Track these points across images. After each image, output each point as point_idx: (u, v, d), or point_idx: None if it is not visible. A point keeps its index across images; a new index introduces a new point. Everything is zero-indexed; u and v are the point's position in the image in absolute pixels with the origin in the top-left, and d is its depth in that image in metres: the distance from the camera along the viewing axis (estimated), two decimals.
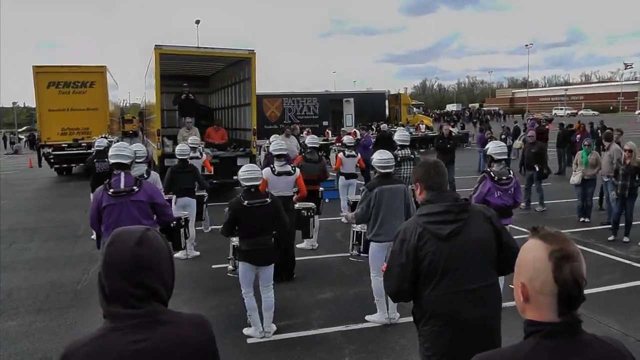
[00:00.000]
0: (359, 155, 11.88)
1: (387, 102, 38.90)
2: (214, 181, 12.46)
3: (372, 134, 21.47)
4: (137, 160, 6.86)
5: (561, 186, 15.07)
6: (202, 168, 10.50)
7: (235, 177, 7.65)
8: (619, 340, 1.67)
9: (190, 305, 6.74)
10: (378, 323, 6.16)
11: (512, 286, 1.70)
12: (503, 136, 20.61)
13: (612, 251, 8.94)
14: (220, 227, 6.02)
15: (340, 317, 6.40)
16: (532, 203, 12.70)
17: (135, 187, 5.41)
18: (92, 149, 12.01)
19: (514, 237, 3.08)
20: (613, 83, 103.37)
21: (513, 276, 1.71)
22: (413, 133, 28.24)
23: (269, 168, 7.72)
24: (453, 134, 16.77)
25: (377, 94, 39.29)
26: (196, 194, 9.40)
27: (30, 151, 40.07)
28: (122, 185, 5.41)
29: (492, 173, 6.58)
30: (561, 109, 79.99)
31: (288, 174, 7.72)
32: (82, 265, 8.73)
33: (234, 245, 6.20)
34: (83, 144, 20.27)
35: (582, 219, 11.15)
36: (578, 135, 18.24)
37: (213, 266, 8.39)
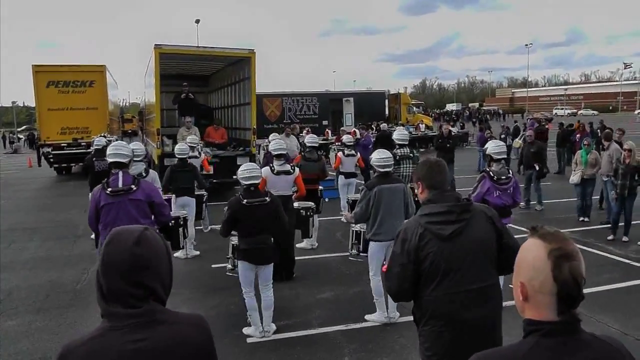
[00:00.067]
0: (359, 154, 11.87)
1: (386, 101, 38.88)
2: (214, 180, 12.46)
3: (372, 134, 21.46)
4: (135, 159, 6.86)
5: (561, 185, 15.09)
6: (200, 167, 10.50)
7: (234, 177, 7.65)
8: (618, 340, 1.67)
9: (189, 305, 6.74)
10: (378, 322, 6.16)
11: (512, 286, 1.70)
12: (503, 136, 20.60)
13: (612, 250, 8.95)
14: (220, 226, 6.02)
15: (340, 316, 6.40)
16: (531, 202, 12.70)
17: (133, 186, 5.41)
18: (91, 148, 12.01)
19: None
20: (612, 83, 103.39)
21: (512, 276, 1.71)
22: (413, 132, 28.24)
23: (268, 167, 7.73)
24: (453, 134, 16.77)
25: (377, 94, 39.27)
26: (195, 193, 9.40)
27: (29, 150, 40.07)
28: (120, 184, 5.40)
29: (491, 173, 6.58)
30: (561, 109, 79.98)
31: (287, 173, 7.71)
32: (82, 264, 8.73)
33: (233, 245, 6.20)
34: (82, 144, 20.25)
35: (581, 219, 11.15)
36: (578, 135, 18.25)
37: (213, 265, 8.39)
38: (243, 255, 5.75)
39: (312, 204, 8.68)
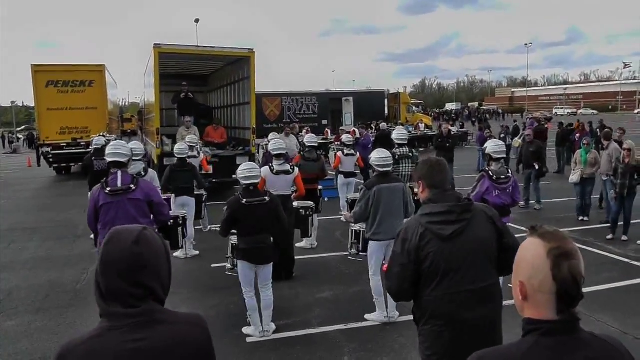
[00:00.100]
0: (358, 154, 11.87)
1: (386, 101, 38.93)
2: (213, 180, 12.46)
3: (372, 133, 21.46)
4: (134, 158, 6.86)
5: (560, 185, 15.10)
6: (199, 167, 10.49)
7: (234, 176, 7.65)
8: (617, 339, 1.67)
9: (189, 304, 6.74)
10: (377, 322, 6.16)
11: (511, 285, 1.70)
12: (502, 135, 20.60)
13: (611, 250, 8.95)
14: (219, 226, 6.01)
15: (339, 316, 6.41)
16: (530, 202, 12.71)
17: (132, 186, 5.41)
18: (90, 147, 12.00)
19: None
20: (612, 82, 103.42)
21: (512, 275, 1.71)
22: (412, 132, 28.25)
23: (267, 167, 7.72)
24: (452, 133, 16.77)
25: (377, 93, 39.27)
26: (195, 193, 9.40)
27: (29, 150, 40.05)
28: (119, 184, 5.40)
29: (490, 172, 6.58)
30: (561, 108, 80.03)
31: (287, 173, 7.71)
32: (82, 264, 8.73)
33: (232, 244, 6.20)
34: (82, 143, 20.23)
35: (581, 218, 11.16)
36: (577, 135, 18.26)
37: (212, 265, 8.39)
38: (242, 255, 5.74)
39: (312, 203, 8.67)
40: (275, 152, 7.91)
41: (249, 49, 14.41)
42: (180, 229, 7.52)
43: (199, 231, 10.13)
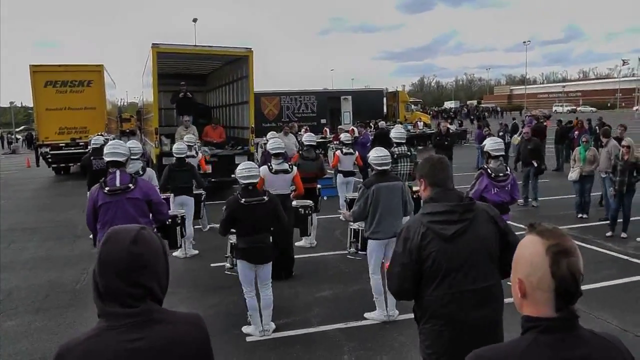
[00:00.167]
0: (357, 152, 11.87)
1: (385, 99, 38.93)
2: (212, 179, 12.45)
3: (370, 132, 21.46)
4: (132, 157, 6.86)
5: (559, 182, 15.10)
6: (197, 166, 10.49)
7: (233, 175, 7.65)
8: (616, 336, 1.67)
9: (188, 304, 6.74)
10: (377, 320, 6.16)
11: (510, 283, 1.70)
12: (501, 133, 20.61)
13: (610, 247, 8.96)
14: (218, 225, 6.01)
15: (339, 314, 6.41)
16: (529, 199, 12.72)
17: (131, 185, 5.40)
18: (89, 147, 11.99)
19: None
20: (611, 80, 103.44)
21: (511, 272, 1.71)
22: (411, 130, 28.26)
23: (266, 166, 7.72)
24: (451, 131, 16.78)
25: (375, 92, 39.30)
26: (194, 192, 9.40)
27: (28, 151, 40.00)
28: (117, 183, 5.40)
29: (489, 170, 6.59)
30: (561, 106, 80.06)
31: (285, 172, 7.71)
32: (81, 264, 8.72)
33: (231, 244, 6.20)
34: (81, 143, 20.20)
35: (580, 215, 11.17)
36: (576, 132, 18.26)
37: (212, 265, 8.39)
38: (242, 255, 5.74)
39: (311, 202, 8.67)
40: (274, 152, 7.91)
41: (247, 48, 14.39)
42: (178, 228, 7.52)
43: (198, 230, 10.13)
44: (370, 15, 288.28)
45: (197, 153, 11.33)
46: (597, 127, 19.99)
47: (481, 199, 6.13)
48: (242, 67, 15.15)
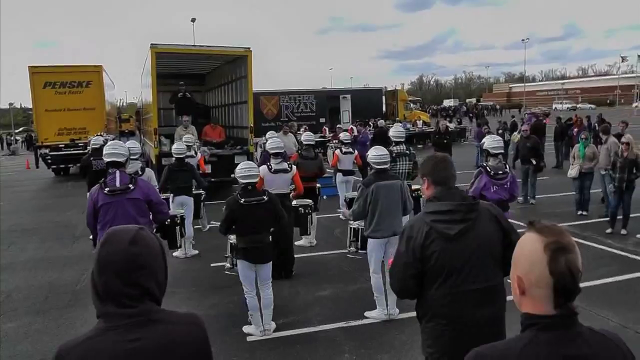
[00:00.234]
0: (356, 151, 11.87)
1: (384, 98, 38.90)
2: (211, 179, 12.45)
3: (370, 131, 21.46)
4: (131, 157, 6.86)
5: (559, 180, 15.10)
6: (197, 166, 10.49)
7: (232, 175, 7.65)
8: (616, 334, 1.67)
9: (189, 304, 6.73)
10: (377, 319, 6.16)
11: (510, 280, 1.70)
12: (500, 131, 20.60)
13: (610, 244, 8.96)
14: (219, 224, 6.01)
15: (339, 314, 6.40)
16: (528, 197, 12.72)
17: (130, 185, 5.40)
18: (88, 147, 11.99)
19: None
20: (610, 76, 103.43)
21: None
22: (410, 129, 28.27)
23: (265, 166, 7.72)
24: (450, 129, 16.79)
25: (374, 91, 39.26)
26: (193, 192, 9.40)
27: (27, 152, 39.99)
28: (117, 184, 5.40)
29: (488, 168, 6.59)
30: (560, 103, 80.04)
31: (285, 171, 7.71)
32: (81, 265, 8.71)
33: (231, 243, 6.20)
34: (80, 144, 20.19)
35: (579, 212, 11.16)
36: (575, 129, 18.25)
37: (212, 265, 8.39)
38: (242, 254, 5.74)
39: (310, 201, 8.68)
40: (273, 151, 7.91)
41: (245, 48, 14.38)
42: (178, 228, 7.52)
43: (198, 230, 10.12)
44: (369, 15, 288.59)
45: (196, 153, 11.33)
46: (596, 124, 19.98)
47: (480, 197, 6.13)
48: (241, 67, 15.15)
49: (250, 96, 14.80)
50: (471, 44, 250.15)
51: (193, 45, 16.10)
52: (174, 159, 9.41)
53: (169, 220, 6.76)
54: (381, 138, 14.77)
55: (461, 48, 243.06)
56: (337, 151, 11.61)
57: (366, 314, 6.27)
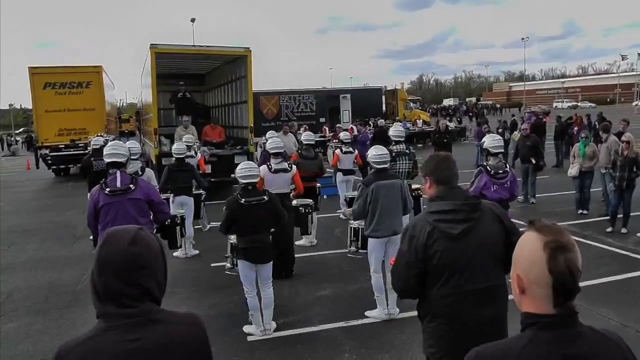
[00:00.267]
0: (356, 151, 11.87)
1: (384, 98, 38.88)
2: (212, 179, 12.46)
3: (370, 130, 21.46)
4: (131, 158, 6.86)
5: (559, 178, 15.09)
6: (197, 166, 10.49)
7: (232, 175, 7.65)
8: (617, 333, 1.67)
9: (189, 304, 6.73)
10: (378, 319, 6.15)
11: (511, 280, 1.70)
12: (500, 130, 20.60)
13: (611, 242, 8.95)
14: (219, 224, 6.01)
15: (339, 313, 6.40)
16: (528, 196, 12.71)
17: (131, 185, 5.40)
18: (89, 148, 12.00)
19: None
20: (610, 75, 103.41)
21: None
22: (410, 128, 28.27)
23: (265, 165, 7.71)
24: (450, 129, 16.79)
25: (374, 90, 39.21)
26: (193, 192, 9.40)
27: (27, 153, 39.99)
28: (118, 184, 5.39)
29: (488, 167, 6.59)
30: (561, 102, 80.00)
31: (285, 171, 7.71)
32: (81, 265, 8.71)
33: (231, 243, 6.20)
34: (80, 145, 20.21)
35: (580, 211, 11.15)
36: (575, 128, 18.25)
37: (212, 264, 8.39)
38: (242, 254, 5.74)
39: (311, 201, 8.68)
40: (273, 151, 7.91)
41: (245, 48, 14.39)
42: (178, 228, 7.52)
43: (199, 230, 10.12)
44: (368, 14, 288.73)
45: (196, 153, 11.34)
46: (596, 123, 19.98)
47: (481, 196, 6.11)
48: (240, 67, 15.15)
49: (250, 96, 14.80)
50: (471, 43, 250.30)
51: (193, 46, 16.10)
52: (174, 159, 9.41)
53: (169, 220, 6.77)
54: (381, 137, 14.77)
55: (461, 47, 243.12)
56: (338, 151, 11.61)
57: (366, 313, 6.26)
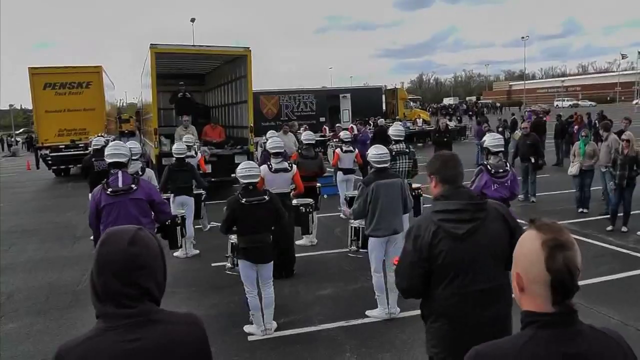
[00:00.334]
0: (356, 150, 11.87)
1: (384, 97, 38.91)
2: (212, 179, 12.46)
3: (370, 129, 21.47)
4: (132, 158, 6.86)
5: (559, 177, 15.09)
6: (197, 166, 10.49)
7: (233, 175, 7.65)
8: (617, 331, 1.67)
9: (189, 304, 6.73)
10: (378, 318, 6.15)
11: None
12: (500, 129, 20.60)
13: (611, 241, 8.95)
14: (220, 224, 6.01)
15: (340, 313, 6.40)
16: (529, 195, 12.71)
17: (133, 185, 5.40)
18: (89, 148, 12.01)
19: None
20: (610, 73, 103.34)
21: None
22: (410, 127, 28.27)
23: (265, 165, 7.71)
24: (450, 128, 16.78)
25: (374, 89, 39.26)
26: (194, 192, 9.40)
27: (27, 153, 40.01)
28: (120, 184, 5.40)
29: (488, 166, 6.58)
30: (562, 100, 79.97)
31: (285, 170, 7.71)
32: (81, 265, 8.70)
33: (232, 243, 6.20)
34: (80, 145, 20.24)
35: (580, 210, 11.15)
36: (575, 126, 18.24)
37: (212, 264, 8.39)
38: (243, 254, 5.74)
39: (311, 200, 8.68)
40: (273, 150, 7.91)
41: (245, 48, 14.39)
42: (178, 228, 7.51)
43: (199, 230, 10.12)
44: (368, 13, 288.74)
45: (196, 153, 11.33)
46: (596, 122, 19.98)
47: (481, 195, 6.13)
48: (240, 67, 15.15)
49: (250, 96, 14.81)
50: (471, 42, 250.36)
51: (193, 45, 16.11)
52: (174, 159, 9.42)
53: (169, 220, 6.76)
54: (381, 137, 14.76)
55: (461, 46, 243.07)
56: (338, 150, 11.61)
57: (367, 313, 6.26)
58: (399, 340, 5.61)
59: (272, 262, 5.94)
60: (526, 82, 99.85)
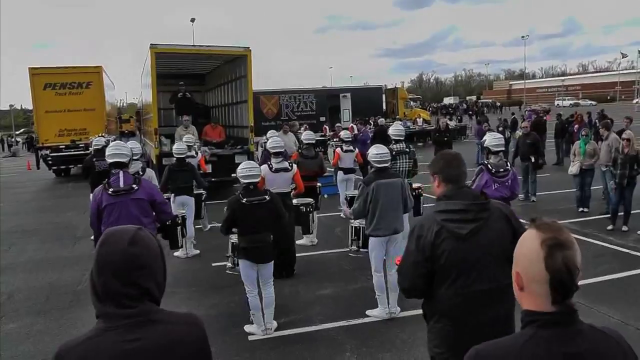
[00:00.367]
0: (357, 150, 11.87)
1: (384, 96, 38.89)
2: (212, 179, 12.45)
3: (370, 129, 21.46)
4: (133, 158, 6.86)
5: (560, 177, 15.09)
6: (197, 166, 10.49)
7: (233, 175, 7.65)
8: (617, 330, 1.67)
9: (190, 304, 6.74)
10: (379, 318, 6.15)
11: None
12: (500, 128, 20.60)
13: (611, 240, 8.95)
14: (220, 224, 6.01)
15: (340, 312, 6.40)
16: (529, 194, 12.71)
17: (134, 186, 5.40)
18: (90, 148, 12.01)
19: None
20: (610, 73, 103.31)
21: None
22: (411, 127, 28.28)
23: (266, 165, 7.71)
24: (450, 127, 16.79)
25: (374, 89, 39.23)
26: (194, 192, 9.40)
27: (28, 153, 40.03)
28: (121, 184, 5.40)
29: (489, 165, 6.58)
30: (562, 100, 79.96)
31: (285, 170, 7.71)
32: (82, 266, 8.71)
33: (232, 243, 6.20)
34: (80, 145, 20.25)
35: (580, 209, 11.15)
36: (576, 126, 18.24)
37: (213, 264, 8.39)
38: (243, 254, 5.74)
39: (311, 200, 8.68)
40: (274, 150, 7.91)
41: (245, 48, 14.38)
42: (179, 228, 7.51)
43: (199, 230, 10.13)
44: (368, 13, 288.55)
45: (196, 153, 11.33)
46: (597, 121, 19.97)
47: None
48: (240, 66, 15.15)
49: (250, 95, 14.81)
50: (471, 41, 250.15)
51: (193, 45, 16.10)
52: (174, 159, 9.42)
53: (170, 220, 6.77)
54: (381, 136, 14.75)
55: (461, 45, 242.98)
56: (338, 149, 11.61)
57: (367, 312, 6.26)
58: (399, 340, 5.61)
59: (272, 261, 5.94)
60: (526, 81, 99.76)
